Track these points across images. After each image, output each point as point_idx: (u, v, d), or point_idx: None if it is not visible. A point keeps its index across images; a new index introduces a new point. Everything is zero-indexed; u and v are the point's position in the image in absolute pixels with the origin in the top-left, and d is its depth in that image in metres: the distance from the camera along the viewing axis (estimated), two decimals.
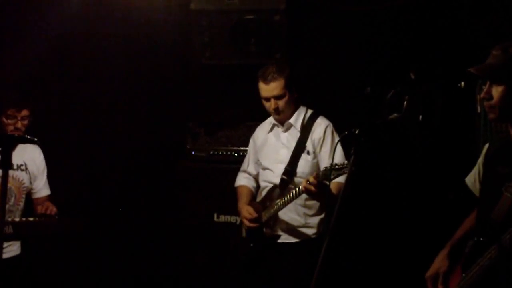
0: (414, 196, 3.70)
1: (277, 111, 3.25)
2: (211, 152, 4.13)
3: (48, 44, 3.99)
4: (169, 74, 4.28)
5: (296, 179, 3.23)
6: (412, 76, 3.47)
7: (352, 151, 2.22)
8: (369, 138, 2.19)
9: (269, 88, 3.18)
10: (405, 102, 2.98)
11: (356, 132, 2.19)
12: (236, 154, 4.08)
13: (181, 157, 4.18)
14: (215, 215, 4.02)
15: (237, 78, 4.04)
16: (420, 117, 3.42)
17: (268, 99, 3.23)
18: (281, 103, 3.22)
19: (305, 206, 3.28)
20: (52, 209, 3.03)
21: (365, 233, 3.86)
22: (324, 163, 3.21)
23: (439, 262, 2.38)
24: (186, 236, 4.06)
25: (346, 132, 2.22)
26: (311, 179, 2.97)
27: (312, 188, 2.97)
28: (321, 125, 3.29)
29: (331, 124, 3.31)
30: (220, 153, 4.12)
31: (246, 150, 3.71)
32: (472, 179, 2.49)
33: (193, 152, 4.16)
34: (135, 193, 4.37)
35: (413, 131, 3.64)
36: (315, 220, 3.29)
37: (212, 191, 4.01)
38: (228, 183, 3.74)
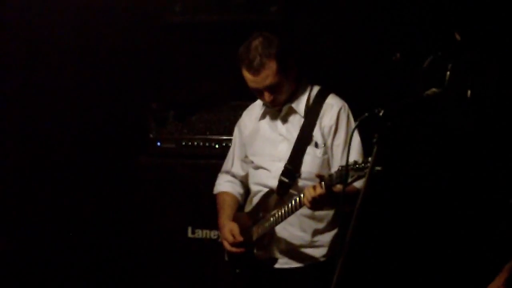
0: (464, 205, 3.71)
1: (274, 103, 3.26)
2: (183, 143, 4.12)
3: None
4: (124, 38, 4.29)
5: (301, 182, 3.22)
6: (458, 38, 3.43)
7: (374, 142, 2.22)
8: (398, 123, 2.21)
9: (259, 79, 3.16)
10: (448, 73, 2.95)
11: (380, 114, 2.19)
12: (217, 146, 4.07)
13: (141, 151, 4.18)
14: (189, 230, 4.03)
15: (218, 41, 4.04)
16: (469, 92, 3.40)
17: (259, 91, 3.22)
18: (278, 93, 3.21)
19: (312, 218, 3.27)
20: None
21: (393, 256, 3.88)
22: (338, 160, 3.21)
23: None
24: (149, 258, 4.10)
25: (366, 115, 2.23)
26: (317, 189, 2.94)
27: (317, 199, 2.95)
28: (333, 106, 3.27)
29: (346, 105, 3.29)
30: (195, 144, 4.11)
31: (230, 140, 3.70)
32: None
33: (159, 143, 4.16)
34: (81, 200, 4.40)
35: (459, 112, 3.60)
36: (326, 237, 3.30)
37: (185, 196, 4.02)
38: (207, 186, 3.72)
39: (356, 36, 3.95)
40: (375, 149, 2.23)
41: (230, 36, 3.50)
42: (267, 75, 3.13)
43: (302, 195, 3.05)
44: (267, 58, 3.11)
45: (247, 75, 3.18)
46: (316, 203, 2.99)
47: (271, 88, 3.17)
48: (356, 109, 3.28)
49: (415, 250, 3.86)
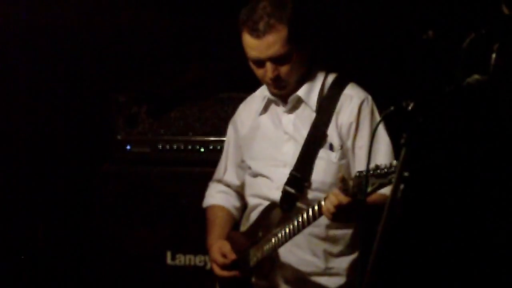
0: None
1: (278, 82, 3.22)
2: (159, 147, 4.17)
3: None
4: (81, 13, 4.30)
5: (311, 194, 3.23)
6: (506, 11, 3.47)
7: (401, 143, 2.22)
8: (432, 118, 2.20)
9: (263, 45, 3.14)
10: (494, 55, 2.99)
11: (410, 108, 2.19)
12: (202, 149, 4.10)
13: (106, 156, 4.22)
14: (169, 255, 4.07)
15: (203, 16, 4.05)
16: None
17: (261, 63, 3.21)
18: (284, 68, 3.18)
19: (325, 239, 3.27)
20: None
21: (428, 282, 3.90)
22: (360, 167, 3.18)
23: None
24: None
25: (392, 109, 2.24)
26: (339, 195, 2.93)
27: (342, 207, 2.94)
28: (353, 99, 3.27)
29: (369, 98, 3.29)
30: (174, 147, 4.15)
31: (220, 142, 3.75)
32: None
33: (128, 147, 4.20)
34: (33, 215, 4.41)
35: (507, 105, 3.65)
36: (343, 263, 3.29)
37: (163, 213, 4.06)
38: (190, 200, 3.79)
39: (381, 11, 3.97)
40: (403, 152, 2.22)
41: (219, 9, 3.49)
42: (274, 40, 3.12)
43: (314, 208, 3.03)
44: (277, 20, 3.10)
45: (248, 40, 3.16)
46: (341, 213, 2.96)
47: (276, 60, 3.15)
48: (380, 102, 3.26)
49: (455, 281, 3.92)
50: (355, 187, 2.86)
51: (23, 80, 4.44)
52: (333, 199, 2.94)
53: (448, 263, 3.91)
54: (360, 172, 2.86)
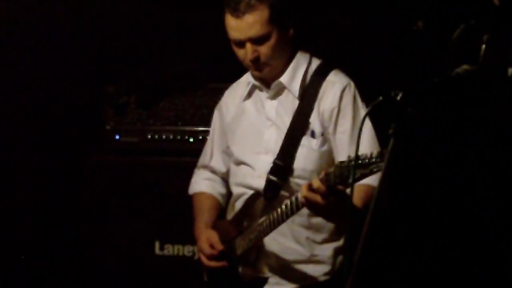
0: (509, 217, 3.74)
1: (257, 63, 3.22)
2: (148, 136, 4.18)
3: None
4: (70, 2, 4.32)
5: (294, 181, 3.24)
6: (496, 2, 3.47)
7: (390, 133, 2.18)
8: (421, 109, 2.18)
9: (243, 25, 3.16)
10: (484, 46, 2.98)
11: (398, 98, 2.16)
12: (191, 139, 4.13)
13: (95, 146, 4.24)
14: (157, 245, 4.09)
15: (192, 6, 4.07)
16: (510, 71, 3.43)
17: (241, 43, 3.21)
18: (264, 49, 3.19)
19: (309, 227, 3.28)
20: None
21: (414, 276, 3.91)
22: (345, 152, 3.19)
23: None
24: (106, 282, 4.13)
25: (381, 99, 2.20)
26: (316, 183, 2.91)
27: (318, 198, 2.92)
28: (335, 85, 3.27)
29: (352, 84, 3.28)
30: (163, 137, 4.17)
31: (208, 132, 3.70)
32: None
33: (117, 137, 4.21)
34: (18, 210, 4.41)
35: (497, 96, 3.64)
36: (327, 250, 3.31)
37: (152, 203, 4.07)
38: (178, 190, 3.77)
39: (371, 1, 3.98)
40: (391, 143, 2.19)
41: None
42: (255, 20, 3.14)
43: (294, 198, 3.03)
44: (257, 0, 3.13)
45: (229, 20, 3.18)
46: (313, 204, 2.93)
47: (257, 41, 3.17)
48: (368, 91, 3.20)
49: (443, 269, 3.91)
50: (338, 177, 2.85)
51: (10, 70, 4.43)
52: (304, 191, 2.92)
53: (435, 255, 3.91)
54: (341, 162, 2.85)
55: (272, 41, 3.18)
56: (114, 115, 4.19)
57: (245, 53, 3.20)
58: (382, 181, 2.27)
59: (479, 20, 3.17)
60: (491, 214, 3.80)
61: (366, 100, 3.28)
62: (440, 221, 3.90)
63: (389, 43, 3.90)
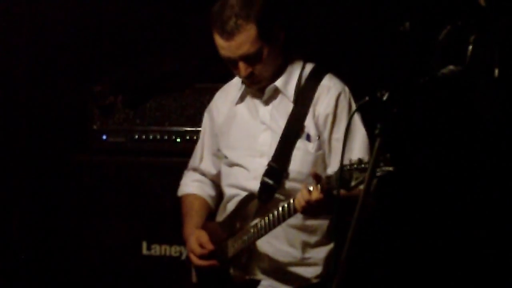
0: (497, 215, 3.74)
1: (252, 78, 3.23)
2: (135, 137, 4.15)
3: None
4: (57, 2, 4.29)
5: (288, 184, 3.23)
6: (482, 3, 3.47)
7: (376, 132, 2.21)
8: (406, 109, 2.19)
9: (232, 46, 3.14)
10: (470, 47, 2.99)
11: (384, 98, 2.18)
12: (178, 140, 4.10)
13: (82, 146, 4.20)
14: (144, 245, 4.07)
15: (180, 5, 4.05)
16: (496, 71, 3.44)
17: (233, 62, 3.21)
18: (257, 65, 3.19)
19: (302, 229, 3.27)
20: None
21: (400, 277, 3.91)
22: (338, 157, 3.06)
23: None
24: (95, 281, 4.10)
25: (367, 99, 2.23)
26: (313, 192, 2.93)
27: (313, 205, 2.94)
28: (331, 90, 3.26)
29: (347, 89, 3.28)
30: (150, 137, 4.14)
31: (197, 132, 3.71)
32: None
33: (104, 137, 4.19)
34: (7, 205, 4.39)
35: (483, 96, 3.64)
36: (320, 253, 3.30)
37: (138, 203, 4.05)
38: (166, 190, 3.78)
39: (358, 2, 3.97)
40: (377, 143, 2.21)
41: None
42: (243, 41, 3.12)
43: (290, 203, 3.04)
44: (244, 20, 3.10)
45: (219, 40, 3.16)
46: (311, 210, 2.98)
47: (248, 59, 3.15)
48: (355, 91, 3.26)
49: (429, 271, 3.91)
50: (336, 181, 2.84)
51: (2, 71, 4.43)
52: (300, 197, 2.96)
53: (425, 255, 3.92)
54: (344, 165, 2.83)
55: (264, 56, 3.17)
56: (101, 115, 4.17)
57: (239, 70, 3.20)
58: (366, 185, 2.29)
59: (466, 21, 3.18)
60: (477, 213, 3.81)
61: (356, 101, 3.25)
62: (427, 222, 3.90)
63: (376, 44, 3.90)
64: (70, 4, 4.31)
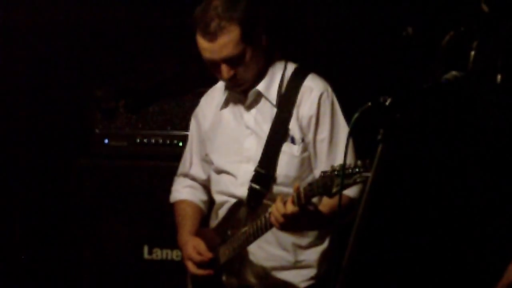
0: (499, 225, 3.71)
1: (234, 81, 3.22)
2: (137, 141, 4.18)
3: None
4: (60, 8, 4.32)
5: (277, 188, 3.22)
6: (485, 9, 3.47)
7: (379, 137, 2.20)
8: (409, 115, 2.20)
9: (215, 48, 3.13)
10: (473, 52, 2.99)
11: (387, 103, 2.18)
12: (180, 144, 4.11)
13: (84, 150, 4.22)
14: (146, 249, 4.10)
15: (181, 11, 3.96)
16: (499, 77, 3.44)
17: (215, 64, 3.20)
18: (239, 67, 3.17)
19: (294, 232, 3.24)
20: None
21: (400, 278, 3.93)
22: (323, 159, 3.21)
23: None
24: (97, 285, 4.14)
25: (369, 104, 2.21)
26: (288, 206, 2.90)
27: (290, 219, 2.91)
28: (313, 91, 3.24)
29: (329, 89, 3.25)
30: (152, 142, 4.16)
31: None
32: None
33: (106, 141, 4.21)
34: (9, 210, 4.43)
35: (486, 102, 3.65)
36: (313, 254, 3.30)
37: (141, 208, 4.07)
38: (168, 194, 3.71)
39: (355, 3, 3.98)
40: (379, 149, 2.21)
41: (197, 3, 3.49)
42: (226, 43, 3.10)
43: (267, 215, 3.01)
44: (227, 21, 3.08)
45: (201, 42, 3.15)
46: (288, 224, 2.94)
47: (231, 61, 3.14)
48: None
49: (429, 270, 3.92)
50: (321, 187, 2.81)
51: (5, 76, 4.44)
52: (275, 211, 2.93)
53: (425, 255, 3.93)
54: (324, 172, 2.82)
55: (246, 58, 3.16)
56: (103, 119, 4.19)
57: (221, 72, 3.18)
58: (371, 186, 2.27)
59: (469, 27, 3.18)
60: (478, 218, 3.81)
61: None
62: (428, 226, 3.91)
63: (379, 49, 3.91)
64: (73, 9, 4.33)
